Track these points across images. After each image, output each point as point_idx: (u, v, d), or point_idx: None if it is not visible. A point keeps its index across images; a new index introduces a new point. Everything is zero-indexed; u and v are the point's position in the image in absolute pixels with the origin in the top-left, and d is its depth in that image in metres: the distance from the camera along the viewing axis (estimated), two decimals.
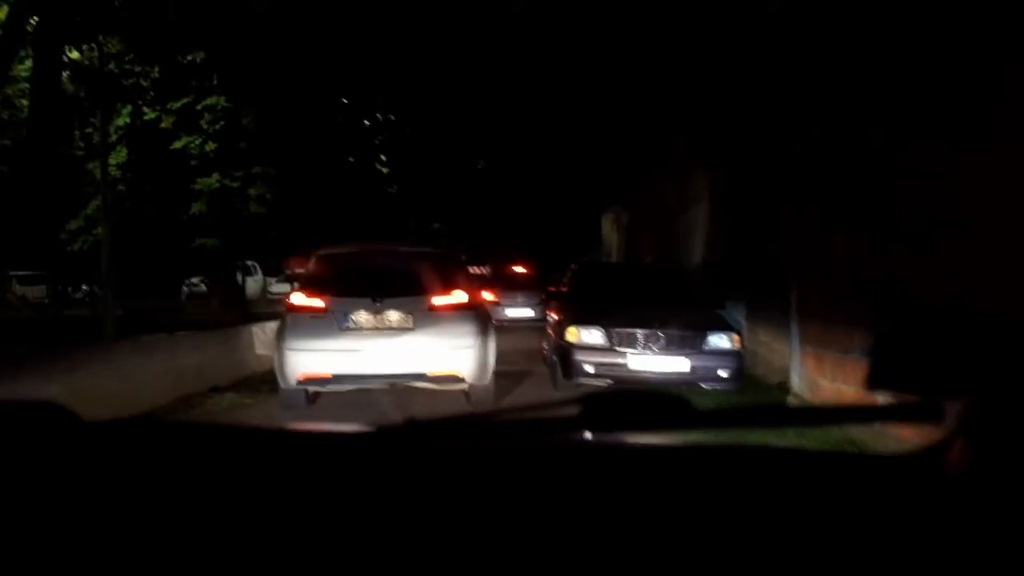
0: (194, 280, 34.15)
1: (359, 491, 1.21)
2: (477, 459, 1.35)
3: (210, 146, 17.95)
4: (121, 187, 18.84)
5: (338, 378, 9.40)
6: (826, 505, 1.21)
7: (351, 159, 26.20)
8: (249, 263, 39.37)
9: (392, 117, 29.09)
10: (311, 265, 10.30)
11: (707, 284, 14.05)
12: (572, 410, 1.41)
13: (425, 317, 9.45)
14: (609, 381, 10.64)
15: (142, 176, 18.73)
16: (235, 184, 18.24)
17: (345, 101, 25.42)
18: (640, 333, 10.86)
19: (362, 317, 9.42)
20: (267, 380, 12.62)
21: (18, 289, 40.87)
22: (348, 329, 9.39)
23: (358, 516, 1.13)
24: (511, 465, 1.33)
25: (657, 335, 10.83)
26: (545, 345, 13.59)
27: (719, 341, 10.99)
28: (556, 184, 34.87)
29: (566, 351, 11.08)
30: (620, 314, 11.24)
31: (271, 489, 1.22)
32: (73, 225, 18.60)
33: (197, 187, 18.17)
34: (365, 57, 21.61)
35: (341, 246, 10.62)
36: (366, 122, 27.93)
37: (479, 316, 10.01)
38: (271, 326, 13.35)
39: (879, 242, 7.70)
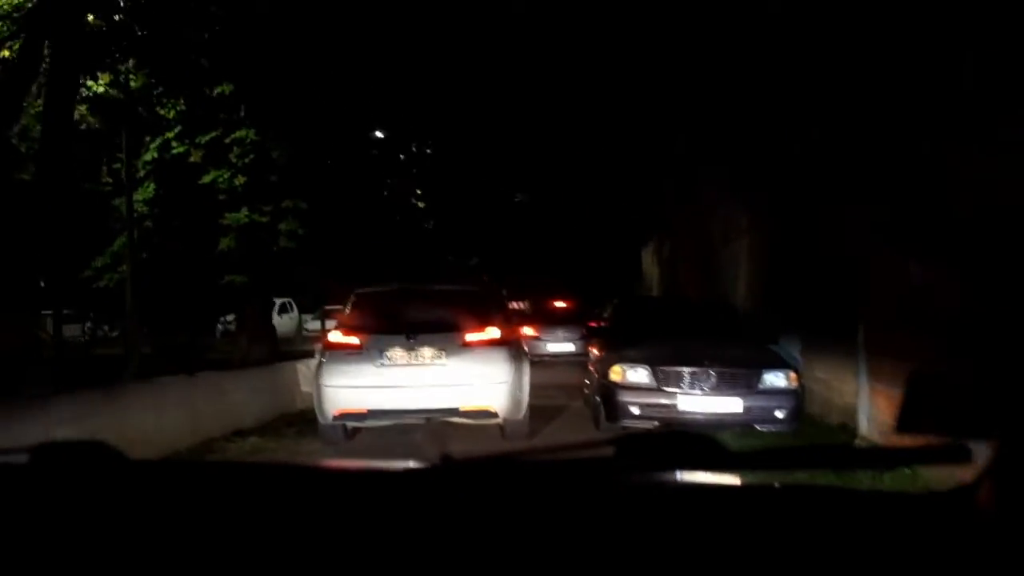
0: (228, 318, 33.78)
1: (393, 529, 1.24)
2: (514, 498, 1.36)
3: (239, 180, 17.40)
4: (148, 223, 18.36)
5: (373, 413, 9.71)
6: (860, 543, 1.22)
7: (386, 193, 25.65)
8: (285, 300, 39.19)
9: (428, 150, 28.52)
10: (348, 304, 10.62)
11: (758, 318, 13.29)
12: (608, 450, 1.41)
13: (458, 353, 9.75)
14: (656, 423, 9.92)
15: (170, 211, 18.19)
16: (264, 219, 17.66)
17: (380, 135, 24.95)
18: (689, 372, 10.13)
19: (397, 353, 9.71)
20: (294, 422, 12.18)
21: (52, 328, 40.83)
22: (383, 366, 9.67)
23: (392, 555, 1.16)
24: (548, 506, 1.34)
25: (708, 373, 10.09)
26: (587, 382, 12.90)
27: (775, 379, 10.24)
28: (596, 217, 34.33)
29: (609, 391, 10.37)
30: (667, 351, 10.52)
31: (305, 526, 1.25)
32: (99, 262, 18.10)
33: (225, 222, 17.61)
34: (400, 88, 21.11)
35: (377, 285, 10.98)
36: (401, 156, 27.35)
37: (513, 352, 10.21)
38: (305, 364, 13.53)
39: (956, 271, 6.99)
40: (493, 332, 10.03)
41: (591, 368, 12.52)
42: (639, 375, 10.25)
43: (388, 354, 9.73)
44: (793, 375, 10.33)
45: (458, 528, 1.24)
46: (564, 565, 1.14)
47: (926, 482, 6.59)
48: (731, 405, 10.00)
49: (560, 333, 22.02)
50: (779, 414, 10.06)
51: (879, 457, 2.80)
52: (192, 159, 17.65)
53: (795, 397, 10.23)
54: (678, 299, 18.43)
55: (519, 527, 1.26)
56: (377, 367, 9.70)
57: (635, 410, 10.10)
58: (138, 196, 17.89)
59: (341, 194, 19.57)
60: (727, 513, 1.37)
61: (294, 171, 17.91)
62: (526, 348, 12.20)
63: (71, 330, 39.40)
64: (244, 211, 17.51)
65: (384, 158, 25.96)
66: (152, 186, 17.96)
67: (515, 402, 10.00)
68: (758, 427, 9.99)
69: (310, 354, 14.81)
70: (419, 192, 29.69)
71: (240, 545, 1.19)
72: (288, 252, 18.13)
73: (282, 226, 17.84)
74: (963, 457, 1.36)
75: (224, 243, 17.80)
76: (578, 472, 1.48)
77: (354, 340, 9.90)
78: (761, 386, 10.17)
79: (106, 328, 41.25)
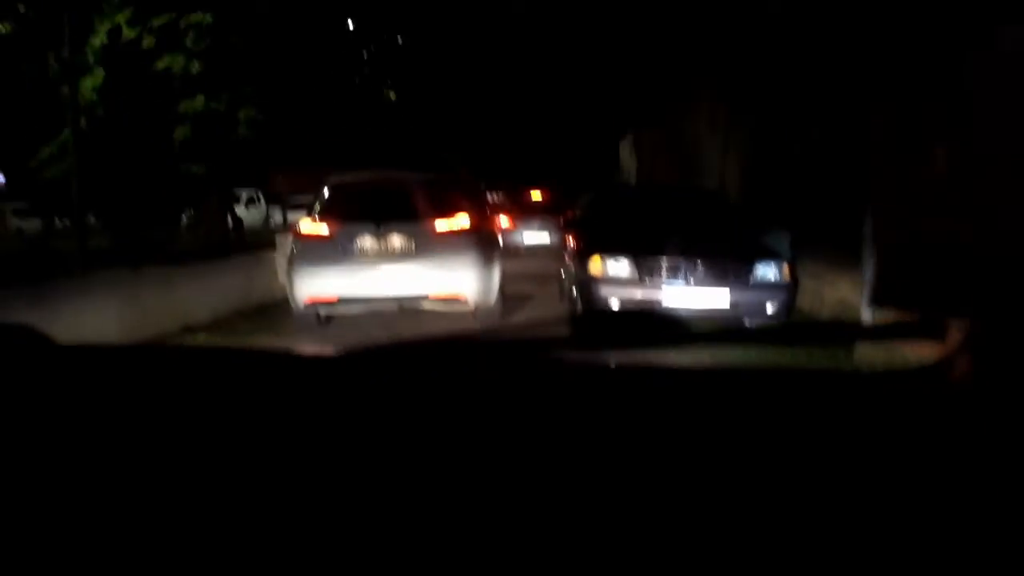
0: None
1: (329, 415, 1.21)
2: (447, 382, 1.34)
3: (195, 66, 16.33)
4: (99, 111, 17.28)
5: (344, 301, 9.98)
6: (835, 420, 1.21)
7: (355, 82, 24.52)
8: (251, 192, 38.17)
9: (399, 38, 27.30)
10: (318, 194, 10.76)
11: (745, 209, 12.53)
12: (564, 329, 1.12)
13: (427, 241, 9.92)
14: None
15: (122, 99, 17.10)
16: (222, 107, 16.63)
17: (349, 26, 23.82)
18: (673, 262, 9.39)
19: (366, 242, 9.91)
20: (250, 316, 11.47)
21: (14, 222, 39.80)
22: (353, 254, 9.88)
23: (326, 442, 1.12)
24: (491, 386, 1.32)
25: (694, 264, 9.34)
26: (562, 275, 12.19)
27: (766, 271, 9.52)
28: (573, 108, 33.33)
29: (587, 285, 9.63)
30: (650, 242, 9.77)
31: (237, 412, 1.23)
32: (45, 152, 17.04)
33: (182, 111, 16.57)
34: None
35: (347, 175, 11.26)
36: (369, 48, 26.16)
37: (483, 240, 10.39)
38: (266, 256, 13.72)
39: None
40: (463, 221, 10.16)
41: (567, 260, 11.81)
42: (620, 267, 9.50)
43: (358, 242, 9.91)
44: (786, 267, 9.60)
45: (397, 413, 1.20)
46: (505, 450, 1.10)
47: (904, 359, 6.23)
48: (718, 299, 9.27)
49: (536, 224, 21.62)
50: (769, 309, 9.37)
51: (844, 333, 2.86)
52: (145, 44, 16.52)
53: (787, 291, 9.51)
54: (660, 186, 17.50)
55: (448, 412, 1.22)
56: (347, 255, 9.88)
57: (615, 305, 9.37)
58: (87, 83, 16.77)
59: (304, 81, 18.45)
60: (689, 393, 1.34)
61: (253, 57, 16.83)
62: (500, 238, 12.40)
63: (31, 223, 38.61)
64: (200, 98, 16.46)
65: (352, 49, 24.84)
66: (102, 73, 16.82)
67: (485, 289, 10.16)
68: (746, 322, 9.32)
69: (271, 245, 14.47)
70: (390, 83, 28.52)
71: (160, 431, 1.16)
72: (247, 141, 17.12)
73: (241, 114, 16.80)
74: (937, 333, 1.42)
75: (180, 132, 16.79)
76: (531, 349, 1.49)
77: (324, 229, 10.06)
78: (751, 279, 9.44)
79: (67, 221, 40.23)
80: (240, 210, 37.55)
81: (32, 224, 38.73)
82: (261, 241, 16.80)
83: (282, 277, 11.65)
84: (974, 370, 1.30)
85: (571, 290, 10.56)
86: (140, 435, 1.14)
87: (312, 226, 10.20)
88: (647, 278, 9.40)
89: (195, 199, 18.53)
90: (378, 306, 10.15)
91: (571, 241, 11.59)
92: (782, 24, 13.53)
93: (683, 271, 9.30)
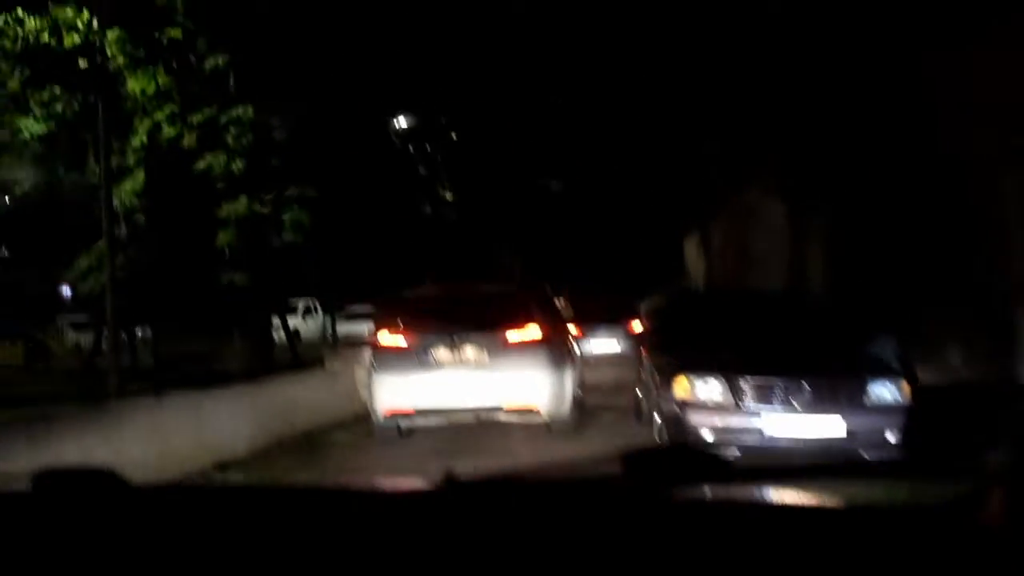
0: None
1: (394, 552, 1.25)
2: (517, 520, 1.36)
3: (237, 164, 15.36)
4: (139, 216, 16.37)
5: (421, 412, 10.17)
6: (866, 557, 1.21)
7: (408, 182, 23.55)
8: (307, 301, 37.30)
9: (454, 136, 26.36)
10: (384, 305, 11.69)
11: (842, 309, 11.08)
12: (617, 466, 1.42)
13: (501, 352, 10.08)
14: (736, 453, 7.77)
15: (163, 203, 16.19)
16: (266, 209, 15.61)
17: (403, 122, 22.96)
18: (777, 383, 7.97)
19: (442, 354, 10.15)
20: (291, 449, 10.27)
21: (71, 336, 39.15)
22: (428, 366, 10.13)
23: None
24: (553, 526, 1.33)
25: (800, 385, 7.91)
26: (639, 396, 10.82)
27: (883, 391, 8.04)
28: (636, 207, 32.11)
29: (673, 411, 8.23)
30: (744, 357, 8.38)
31: (308, 549, 1.26)
32: (83, 263, 16.11)
33: (223, 215, 15.58)
34: (419, 61, 19.08)
35: (423, 287, 12.20)
36: (426, 144, 25.24)
37: (556, 350, 10.50)
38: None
39: None
40: (535, 332, 10.27)
41: (644, 378, 10.44)
42: (711, 389, 8.08)
43: (433, 354, 10.15)
44: (905, 385, 8.14)
45: (459, 551, 1.24)
46: None
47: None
48: (831, 427, 7.81)
49: (603, 331, 20.37)
50: (890, 437, 7.89)
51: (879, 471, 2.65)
52: (185, 143, 15.63)
53: (908, 415, 8.03)
54: (745, 293, 15.98)
55: (522, 549, 1.25)
56: (423, 367, 10.11)
57: (707, 435, 7.96)
58: (127, 187, 15.88)
59: (354, 179, 17.42)
60: (734, 529, 1.33)
61: (299, 152, 15.84)
62: (574, 347, 12.35)
63: (89, 337, 37.93)
64: (243, 200, 15.46)
65: (406, 145, 23.96)
66: (142, 175, 15.93)
67: (558, 400, 10.25)
68: (865, 455, 7.82)
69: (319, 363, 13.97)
70: (445, 183, 27.57)
71: (241, 569, 1.20)
72: (294, 246, 16.03)
73: (286, 216, 15.76)
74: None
75: (223, 238, 15.77)
76: (586, 491, 1.50)
77: (401, 341, 10.37)
78: (866, 400, 7.98)
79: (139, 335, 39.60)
80: (297, 321, 36.68)
81: (89, 338, 38.07)
82: (315, 356, 15.56)
83: (361, 391, 11.65)
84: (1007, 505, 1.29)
85: (652, 415, 9.18)
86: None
87: (390, 338, 10.50)
88: (743, 402, 7.97)
89: (239, 311, 17.40)
90: (455, 418, 10.25)
91: (648, 356, 10.23)
92: (855, 100, 12.44)
93: (786, 393, 7.86)
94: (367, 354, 11.35)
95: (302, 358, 17.19)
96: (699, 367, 8.26)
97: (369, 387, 10.56)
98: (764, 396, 7.91)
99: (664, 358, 9.13)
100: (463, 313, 10.43)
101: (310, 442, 11.03)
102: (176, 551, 1.27)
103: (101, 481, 1.48)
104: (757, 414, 7.88)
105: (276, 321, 28.66)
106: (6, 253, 31.06)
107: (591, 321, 19.70)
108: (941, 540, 1.26)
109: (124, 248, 16.03)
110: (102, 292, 14.08)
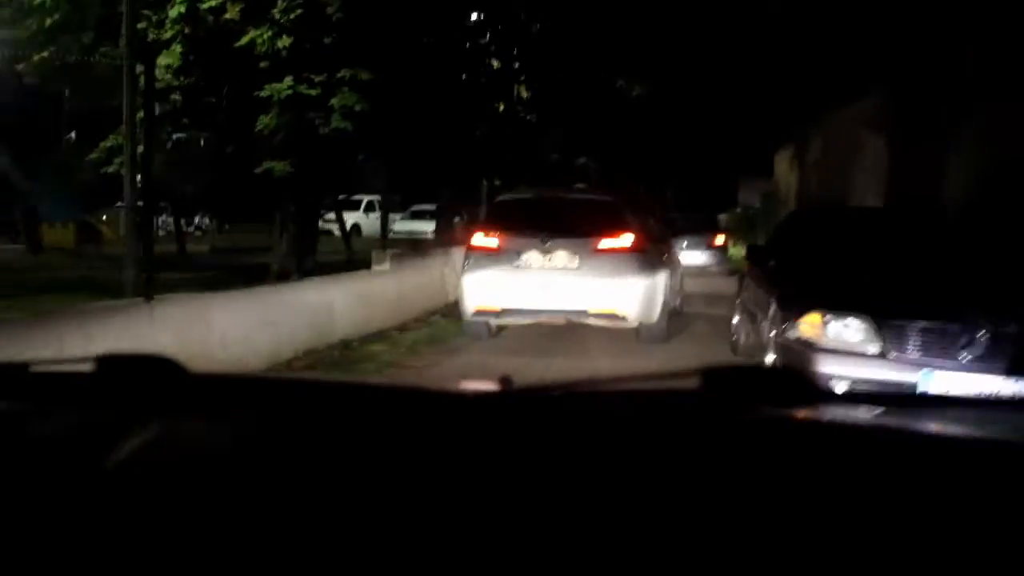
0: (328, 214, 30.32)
1: (436, 458, 1.21)
2: (573, 434, 1.30)
3: (283, 41, 13.46)
4: (176, 96, 14.57)
5: (507, 312, 10.63)
6: (969, 491, 1.12)
7: (482, 78, 21.36)
8: (372, 198, 35.73)
9: (537, 26, 24.05)
10: (488, 209, 12.55)
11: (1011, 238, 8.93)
12: (693, 382, 1.32)
13: (590, 258, 10.37)
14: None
15: (202, 81, 14.34)
16: (314, 91, 13.69)
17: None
18: (943, 329, 6.00)
19: (532, 256, 10.47)
20: (317, 364, 8.90)
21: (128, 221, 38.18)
22: (518, 268, 10.47)
23: (431, 486, 1.12)
24: (616, 441, 1.28)
25: (973, 333, 5.93)
26: (740, 332, 8.93)
27: None
28: (725, 117, 29.83)
29: (798, 355, 6.30)
30: (895, 293, 6.41)
31: (357, 447, 1.26)
32: (107, 142, 14.39)
33: (264, 94, 13.70)
34: None
35: (517, 192, 12.61)
36: (497, 34, 23.00)
37: (647, 257, 10.73)
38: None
39: None
40: (626, 239, 10.52)
41: (749, 307, 8.53)
42: (851, 331, 6.12)
43: (524, 257, 10.49)
44: None
45: (505, 460, 1.19)
46: (632, 506, 1.05)
47: None
48: (1012, 390, 5.85)
49: (687, 243, 20.34)
50: None
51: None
52: (228, 15, 13.75)
53: None
54: (880, 210, 13.62)
55: (569, 463, 1.18)
56: (512, 268, 10.47)
57: (841, 386, 6.02)
58: (162, 62, 14.08)
59: (419, 65, 15.36)
60: (831, 453, 1.24)
61: (354, 31, 13.85)
62: (673, 255, 13.04)
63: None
64: (288, 80, 13.56)
65: (479, 36, 21.80)
66: (179, 48, 14.09)
67: (647, 307, 10.53)
68: None
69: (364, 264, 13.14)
70: (522, 78, 25.36)
71: (287, 465, 1.18)
72: (344, 134, 14.10)
73: (335, 101, 13.81)
74: None
75: (263, 121, 13.92)
76: (649, 404, 1.43)
77: (492, 243, 10.73)
78: None
79: (196, 222, 38.58)
80: (359, 216, 35.31)
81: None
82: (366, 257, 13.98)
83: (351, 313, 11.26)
84: None
85: (757, 353, 7.29)
86: (263, 472, 1.16)
87: (482, 239, 10.88)
88: (895, 351, 6.02)
89: (279, 202, 15.60)
90: (544, 318, 10.67)
91: (759, 282, 8.27)
92: None
93: (956, 342, 5.88)
94: (458, 254, 12.18)
95: (357, 256, 15.41)
96: (836, 302, 6.33)
97: (460, 284, 11.00)
98: (925, 345, 5.94)
99: (784, 287, 7.20)
100: (556, 218, 10.65)
101: (344, 355, 10.03)
102: (235, 440, 1.28)
103: (162, 367, 1.46)
104: (914, 368, 5.92)
105: (332, 216, 27.53)
106: (73, 136, 29.93)
107: (675, 233, 18.51)
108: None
109: (156, 130, 14.29)
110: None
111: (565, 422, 1.34)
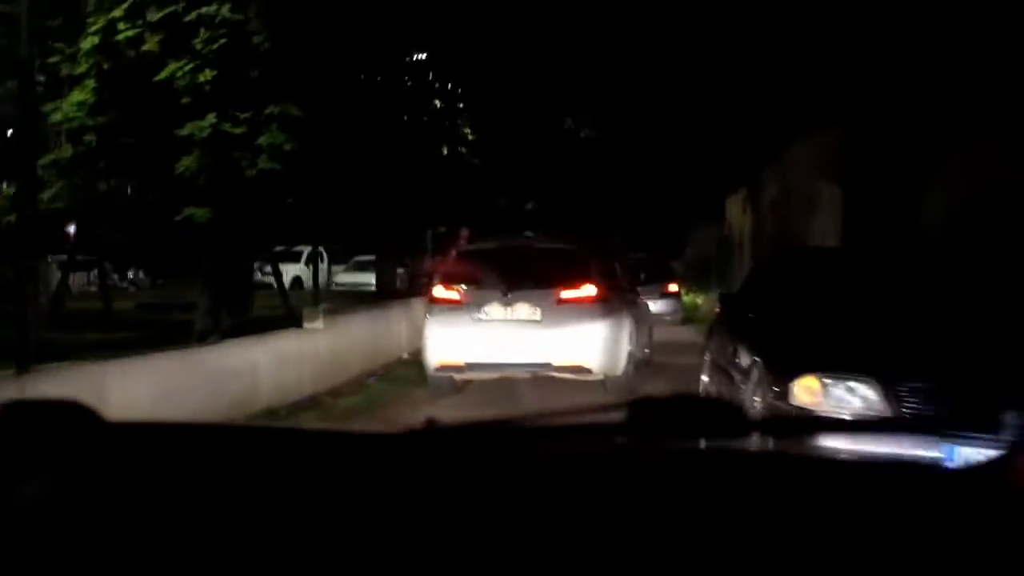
0: (267, 267, 29.08)
1: (358, 497, 1.21)
2: (498, 471, 1.31)
3: (206, 75, 12.35)
4: (90, 137, 13.36)
5: (471, 366, 10.51)
6: (885, 516, 1.15)
7: (419, 113, 20.33)
8: (314, 249, 34.54)
9: (476, 71, 23.20)
10: (450, 260, 11.88)
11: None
12: (619, 416, 1.35)
13: (552, 309, 10.33)
14: None
15: (119, 120, 13.15)
16: (239, 129, 12.58)
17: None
18: (968, 393, 5.03)
19: (494, 309, 10.46)
20: None
21: (57, 277, 36.72)
22: (481, 321, 10.43)
23: (353, 523, 1.12)
24: (543, 477, 1.28)
25: (1007, 408, 4.94)
26: (713, 388, 7.94)
27: None
28: (674, 160, 29.22)
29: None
30: (904, 351, 5.46)
31: (271, 490, 1.24)
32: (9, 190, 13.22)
33: (184, 133, 12.56)
34: None
35: (480, 243, 12.56)
36: (440, 76, 22.07)
37: (611, 307, 10.66)
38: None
39: None
40: (589, 289, 10.46)
41: (721, 364, 7.54)
42: (857, 397, 5.15)
43: (486, 309, 10.45)
44: None
45: (427, 497, 1.18)
46: (559, 542, 1.04)
47: None
48: None
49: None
50: None
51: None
52: (146, 46, 12.65)
53: None
54: (860, 253, 12.60)
55: (491, 498, 1.19)
56: (475, 322, 10.40)
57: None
58: (75, 98, 12.92)
59: (354, 102, 14.29)
60: (751, 484, 1.26)
61: (284, 64, 12.77)
62: (639, 305, 12.99)
63: (80, 277, 35.46)
64: (211, 118, 12.43)
65: (421, 76, 20.85)
66: (93, 84, 12.93)
67: (612, 358, 10.47)
68: None
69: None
70: (468, 119, 24.45)
71: (206, 510, 1.15)
72: (272, 177, 12.95)
73: (262, 140, 12.68)
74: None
75: (185, 163, 12.75)
76: (578, 439, 1.45)
77: (454, 295, 10.72)
78: None
79: (116, 277, 36.95)
80: (299, 269, 34.12)
81: (80, 278, 35.59)
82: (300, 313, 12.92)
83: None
84: None
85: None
86: (185, 518, 1.12)
87: (444, 292, 10.84)
88: (912, 422, 5.04)
89: (200, 252, 14.37)
90: (508, 372, 10.49)
91: (735, 336, 7.28)
92: None
93: (988, 415, 4.89)
94: (401, 307, 12.43)
95: (297, 311, 14.34)
96: (836, 362, 5.33)
97: (424, 338, 10.91)
98: (951, 416, 4.95)
99: (770, 344, 6.19)
100: (518, 269, 10.64)
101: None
102: (146, 486, 1.23)
103: (73, 414, 1.40)
104: (934, 440, 4.93)
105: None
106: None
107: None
108: (966, 501, 1.20)
109: (69, 174, 13.14)
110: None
111: (485, 459, 1.33)
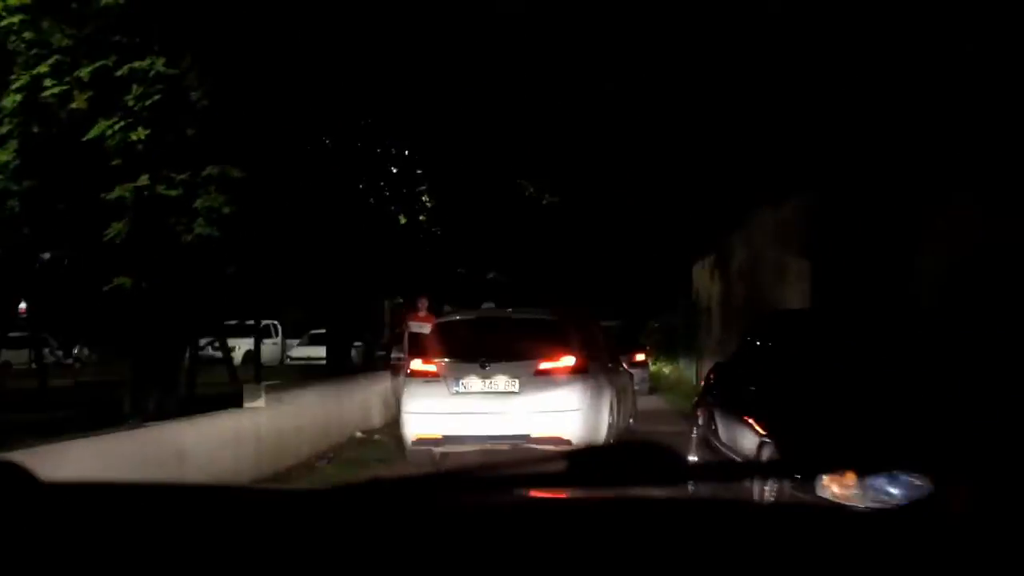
0: (201, 341, 27.88)
1: (283, 551, 1.20)
2: (440, 520, 1.32)
3: (138, 133, 11.37)
4: (14, 203, 12.29)
5: (448, 439, 10.38)
6: (822, 559, 1.15)
7: (374, 178, 19.41)
8: (269, 323, 33.53)
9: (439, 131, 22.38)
10: (403, 331, 13.05)
11: None
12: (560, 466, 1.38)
13: (530, 381, 10.23)
14: None
15: (45, 184, 12.11)
16: (174, 191, 11.56)
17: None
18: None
19: (472, 381, 10.34)
20: None
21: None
22: (458, 394, 10.33)
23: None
24: (482, 523, 1.30)
25: None
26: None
27: None
28: (639, 226, 28.55)
29: None
30: (948, 434, 4.53)
31: (217, 549, 1.22)
32: None
33: (113, 196, 11.51)
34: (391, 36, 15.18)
35: (457, 312, 12.87)
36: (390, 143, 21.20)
37: (591, 378, 10.48)
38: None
39: None
40: (567, 360, 10.28)
41: (717, 453, 6.57)
42: (903, 490, 4.20)
43: (463, 382, 10.32)
44: None
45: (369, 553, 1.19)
46: None
47: None
48: None
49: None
50: None
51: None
52: (74, 104, 11.66)
53: None
54: (869, 313, 11.27)
55: (449, 552, 1.18)
56: (452, 394, 10.29)
57: None
58: None
59: (301, 164, 13.34)
60: (686, 530, 1.28)
61: (223, 122, 11.82)
62: (621, 372, 12.80)
63: (20, 355, 34.38)
64: (143, 179, 11.40)
65: (375, 141, 19.98)
66: (15, 146, 11.88)
67: (592, 429, 10.28)
68: None
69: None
70: (425, 187, 23.59)
71: (143, 565, 1.14)
72: (209, 243, 11.90)
73: (199, 203, 11.64)
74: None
75: (115, 228, 11.70)
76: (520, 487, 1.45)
77: (431, 368, 10.56)
78: None
79: (60, 353, 35.60)
80: (253, 343, 33.24)
81: (21, 356, 34.48)
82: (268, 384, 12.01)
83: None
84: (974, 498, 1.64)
85: None
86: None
87: (421, 365, 10.66)
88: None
89: (130, 325, 13.21)
90: (487, 444, 10.14)
91: (734, 419, 6.31)
92: None
93: None
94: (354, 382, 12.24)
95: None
96: (878, 455, 4.36)
97: (401, 412, 10.79)
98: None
99: (785, 430, 5.21)
100: (495, 339, 10.56)
101: None
102: (82, 548, 1.19)
103: (6, 474, 1.40)
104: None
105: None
106: None
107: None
108: (902, 539, 1.22)
109: None
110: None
111: (400, 511, 1.34)
